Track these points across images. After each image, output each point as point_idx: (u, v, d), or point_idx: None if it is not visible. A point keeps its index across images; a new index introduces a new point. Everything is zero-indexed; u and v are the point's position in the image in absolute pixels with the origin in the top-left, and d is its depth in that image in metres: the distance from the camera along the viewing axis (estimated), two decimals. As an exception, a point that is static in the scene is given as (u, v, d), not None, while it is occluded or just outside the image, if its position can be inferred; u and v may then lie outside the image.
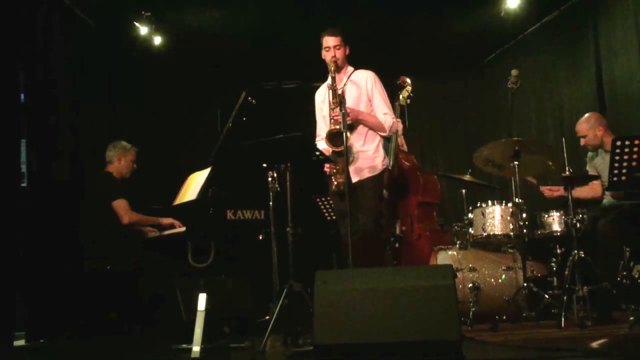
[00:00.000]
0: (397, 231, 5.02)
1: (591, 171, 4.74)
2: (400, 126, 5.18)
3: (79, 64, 5.34)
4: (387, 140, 4.39)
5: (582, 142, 4.71)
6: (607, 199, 4.62)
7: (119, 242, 4.52)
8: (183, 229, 4.27)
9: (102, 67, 5.74)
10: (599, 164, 4.67)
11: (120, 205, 4.53)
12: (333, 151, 3.95)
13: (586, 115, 4.78)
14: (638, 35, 5.18)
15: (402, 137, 5.29)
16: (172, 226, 4.45)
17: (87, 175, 5.02)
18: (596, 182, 4.61)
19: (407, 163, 5.18)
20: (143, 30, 5.85)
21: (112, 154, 4.74)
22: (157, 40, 6.02)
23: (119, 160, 4.73)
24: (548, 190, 4.77)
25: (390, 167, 4.60)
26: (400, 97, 5.10)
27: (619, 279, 4.14)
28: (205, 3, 5.76)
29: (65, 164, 4.96)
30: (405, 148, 5.34)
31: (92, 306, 4.48)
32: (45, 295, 4.47)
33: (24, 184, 4.67)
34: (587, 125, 4.68)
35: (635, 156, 3.70)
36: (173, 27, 6.02)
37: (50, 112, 4.89)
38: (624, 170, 3.73)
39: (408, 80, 5.14)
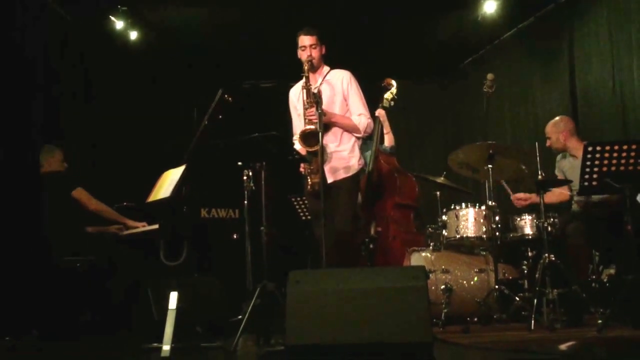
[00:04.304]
0: (372, 232, 5.03)
1: (559, 174, 4.81)
2: (384, 115, 5.11)
3: (53, 56, 5.25)
4: (367, 142, 4.39)
5: (547, 143, 4.80)
6: (575, 206, 4.69)
7: (87, 238, 4.46)
8: (155, 226, 4.22)
9: (77, 60, 5.66)
10: (567, 168, 4.74)
11: (81, 194, 4.49)
12: (307, 151, 3.94)
13: (557, 117, 4.86)
14: (611, 43, 5.27)
15: (390, 133, 5.27)
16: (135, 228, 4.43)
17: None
18: (563, 187, 4.68)
19: (386, 165, 5.19)
20: (119, 24, 5.78)
21: (40, 159, 4.68)
22: (133, 35, 5.95)
23: (50, 164, 4.68)
24: (518, 200, 4.80)
25: (368, 169, 4.60)
26: (385, 98, 5.09)
27: (588, 281, 4.21)
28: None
29: (37, 157, 4.87)
30: (392, 142, 5.30)
31: (60, 304, 4.40)
32: (12, 293, 4.38)
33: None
34: (554, 128, 4.77)
35: (606, 162, 3.76)
36: (149, 22, 5.97)
37: (23, 105, 4.80)
38: (594, 176, 3.79)
39: (393, 82, 5.11)
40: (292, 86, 4.35)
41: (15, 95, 4.71)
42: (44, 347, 4.13)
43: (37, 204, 4.66)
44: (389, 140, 5.26)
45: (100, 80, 5.95)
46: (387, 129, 5.20)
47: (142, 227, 4.45)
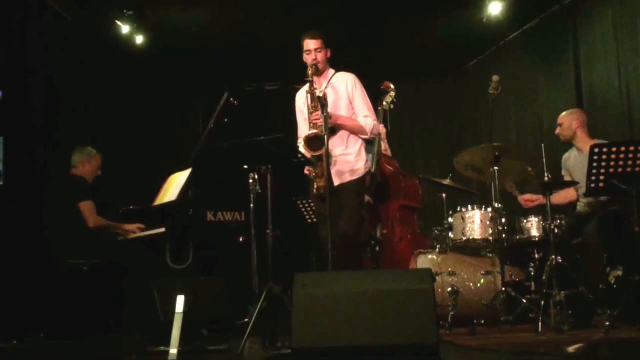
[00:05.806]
0: (378, 234, 5.03)
1: (565, 175, 4.79)
2: (383, 130, 5.19)
3: (58, 60, 5.27)
4: (369, 144, 4.39)
5: (557, 130, 4.77)
6: (581, 207, 4.67)
7: (90, 242, 4.47)
8: (162, 229, 4.23)
9: (82, 64, 5.67)
10: (571, 164, 4.72)
11: (87, 207, 4.50)
12: (312, 155, 3.93)
13: (571, 109, 4.86)
14: (616, 42, 5.26)
15: (385, 141, 5.30)
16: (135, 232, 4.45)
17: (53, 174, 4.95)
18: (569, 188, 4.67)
19: (389, 167, 5.19)
20: (125, 28, 5.80)
21: (77, 158, 4.70)
22: (139, 39, 5.98)
23: (84, 166, 4.69)
24: (525, 201, 4.79)
25: (372, 171, 4.60)
26: (384, 102, 5.11)
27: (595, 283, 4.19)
28: (187, 2, 5.73)
29: (42, 162, 4.89)
30: (389, 153, 5.35)
31: (66, 307, 4.41)
32: (18, 295, 4.39)
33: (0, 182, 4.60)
34: (568, 116, 4.74)
35: (612, 163, 3.74)
36: (155, 26, 5.98)
37: (27, 110, 4.82)
38: (601, 177, 3.77)
39: (392, 86, 5.14)
40: (297, 89, 4.35)
41: (16, 94, 4.73)
42: (49, 348, 4.14)
43: (44, 206, 4.68)
44: (384, 146, 5.28)
45: (103, 81, 5.97)
46: (383, 135, 5.23)
47: (137, 228, 4.45)
